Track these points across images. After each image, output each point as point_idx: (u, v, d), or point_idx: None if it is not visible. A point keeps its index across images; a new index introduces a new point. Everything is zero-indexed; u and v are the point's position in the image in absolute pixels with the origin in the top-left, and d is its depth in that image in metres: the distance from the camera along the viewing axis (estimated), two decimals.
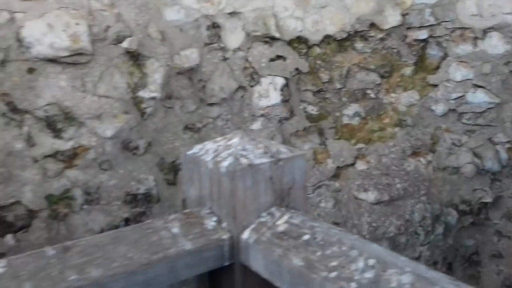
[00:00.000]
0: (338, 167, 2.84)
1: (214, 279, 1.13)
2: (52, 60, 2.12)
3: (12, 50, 2.06)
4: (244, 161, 1.04)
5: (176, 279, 0.99)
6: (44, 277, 0.87)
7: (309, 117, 2.92)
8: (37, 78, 2.10)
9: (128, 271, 0.92)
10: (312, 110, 2.93)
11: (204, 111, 2.65)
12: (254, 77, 2.75)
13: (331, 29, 2.97)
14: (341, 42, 3.03)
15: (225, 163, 1.03)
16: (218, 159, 1.06)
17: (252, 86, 2.76)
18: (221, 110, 2.68)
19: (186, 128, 2.58)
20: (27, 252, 0.92)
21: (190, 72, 2.57)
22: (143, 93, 2.37)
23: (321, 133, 2.92)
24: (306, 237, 0.96)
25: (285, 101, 2.86)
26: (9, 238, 2.02)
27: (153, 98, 2.40)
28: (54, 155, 2.15)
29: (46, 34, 2.05)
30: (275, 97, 2.80)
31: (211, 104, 2.66)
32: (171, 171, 2.51)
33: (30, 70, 2.10)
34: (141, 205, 2.34)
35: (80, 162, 2.20)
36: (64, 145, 2.17)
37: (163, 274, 0.97)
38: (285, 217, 1.04)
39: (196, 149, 1.14)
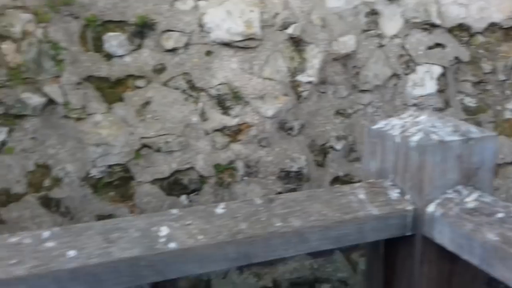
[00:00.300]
0: (496, 165, 2.66)
1: (390, 248, 1.19)
2: (227, 44, 2.35)
3: (194, 34, 2.34)
4: (434, 137, 1.07)
5: (362, 240, 1.08)
6: (255, 221, 1.03)
7: (466, 110, 2.77)
8: (213, 60, 2.37)
9: (323, 226, 1.03)
10: (470, 102, 2.77)
11: (356, 97, 2.69)
12: (410, 65, 2.70)
13: (497, 17, 2.77)
14: (508, 31, 2.81)
15: (415, 138, 1.08)
16: (406, 134, 1.11)
17: (406, 74, 2.72)
18: (372, 97, 2.70)
19: (337, 113, 2.65)
20: (239, 200, 1.09)
21: (345, 59, 2.63)
22: (301, 77, 2.50)
23: (478, 126, 2.75)
24: (501, 215, 0.96)
25: (440, 91, 2.76)
26: (183, 198, 2.33)
27: (310, 83, 2.52)
28: (222, 129, 2.40)
29: (225, 20, 2.29)
30: (430, 87, 2.72)
31: (363, 91, 2.69)
32: (321, 153, 2.61)
33: (208, 53, 2.36)
34: (292, 182, 2.49)
35: (243, 137, 2.42)
36: (231, 121, 2.40)
37: (352, 233, 1.06)
38: (474, 195, 1.05)
39: (381, 124, 1.21)
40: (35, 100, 2.07)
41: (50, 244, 0.93)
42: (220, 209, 1.05)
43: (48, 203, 2.16)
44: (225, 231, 1.00)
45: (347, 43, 2.59)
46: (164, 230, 0.99)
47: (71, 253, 0.91)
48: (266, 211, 1.05)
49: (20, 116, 2.09)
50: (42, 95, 2.09)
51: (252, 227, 1.01)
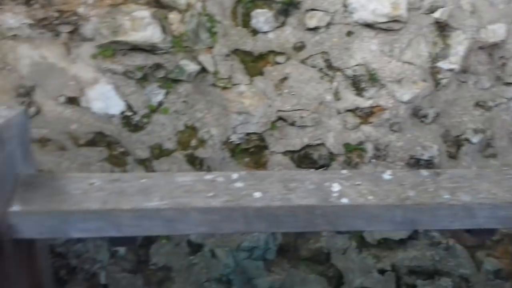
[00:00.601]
0: None
1: None
2: (369, 25, 2.36)
3: (337, 14, 2.38)
4: None
5: None
6: (422, 190, 1.06)
7: None
8: (353, 40, 2.39)
9: (492, 204, 1.03)
10: None
11: (499, 90, 2.54)
12: None
13: None
14: None
15: None
16: None
17: None
18: None
19: (477, 104, 2.53)
20: (405, 170, 1.13)
21: (492, 48, 2.48)
22: (442, 64, 2.42)
23: None
24: None
25: None
26: None
27: (451, 70, 2.43)
28: (354, 110, 2.44)
29: (371, 0, 2.29)
30: None
31: (508, 84, 2.53)
32: (455, 144, 2.52)
33: (349, 33, 2.39)
34: None
35: (375, 120, 2.43)
36: (364, 103, 2.42)
37: None
38: None
39: None
40: (191, 67, 2.29)
41: (239, 184, 1.06)
42: (387, 175, 1.10)
43: (193, 161, 2.40)
44: (393, 195, 1.05)
45: (496, 31, 2.45)
46: (336, 187, 1.07)
47: (257, 194, 1.03)
48: (433, 183, 1.08)
49: (176, 81, 2.32)
50: (197, 63, 2.30)
51: (420, 196, 1.05)
